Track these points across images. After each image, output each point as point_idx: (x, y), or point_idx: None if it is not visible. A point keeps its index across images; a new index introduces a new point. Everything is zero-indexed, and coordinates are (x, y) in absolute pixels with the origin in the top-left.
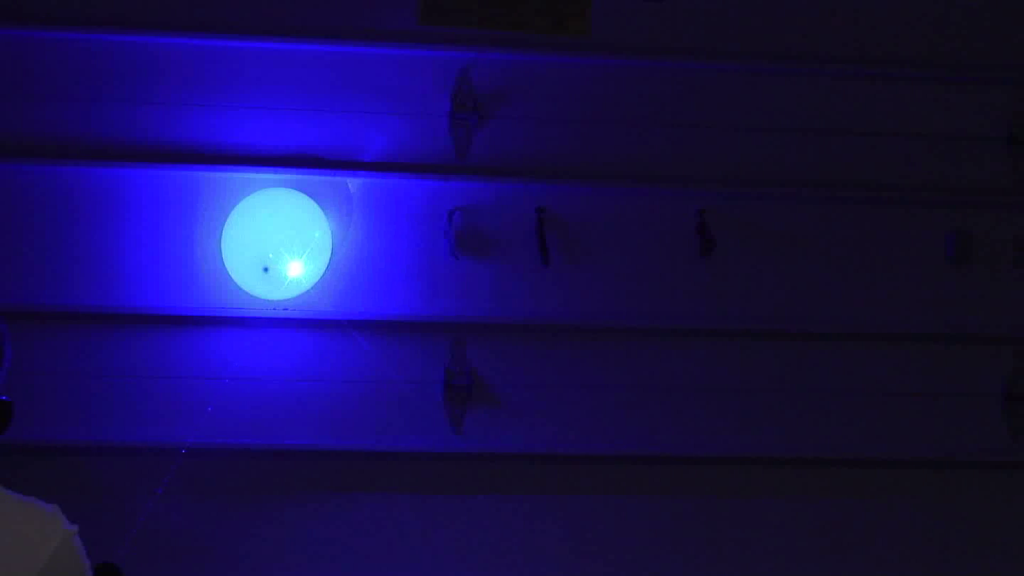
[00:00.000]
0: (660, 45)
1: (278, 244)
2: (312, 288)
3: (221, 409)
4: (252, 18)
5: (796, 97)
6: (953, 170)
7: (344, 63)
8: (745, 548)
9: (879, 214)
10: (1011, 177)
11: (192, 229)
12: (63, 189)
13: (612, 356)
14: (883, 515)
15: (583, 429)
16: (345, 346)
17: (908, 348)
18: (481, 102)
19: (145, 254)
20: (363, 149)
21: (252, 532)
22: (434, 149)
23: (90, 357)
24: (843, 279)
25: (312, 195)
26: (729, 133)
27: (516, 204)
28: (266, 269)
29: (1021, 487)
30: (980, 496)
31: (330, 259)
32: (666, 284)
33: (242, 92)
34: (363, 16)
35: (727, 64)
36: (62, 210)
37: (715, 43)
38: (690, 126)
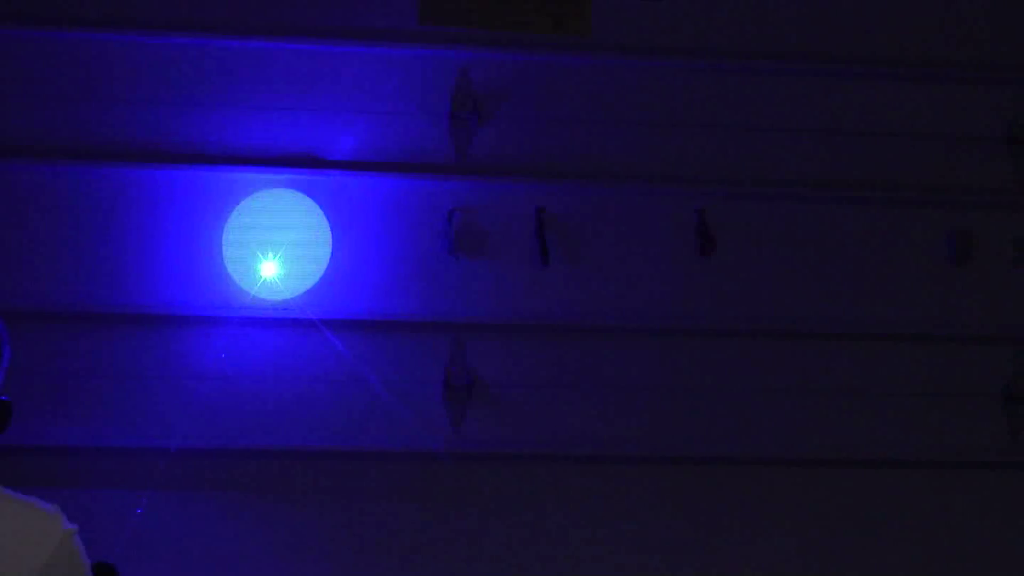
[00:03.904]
0: (660, 45)
1: (279, 244)
2: (312, 288)
3: (221, 409)
4: (252, 18)
5: (796, 97)
6: (953, 170)
7: (344, 63)
8: (745, 548)
9: (879, 214)
10: (1011, 177)
11: (192, 229)
12: (63, 189)
13: (612, 356)
14: (883, 515)
15: (583, 429)
16: (345, 346)
17: (908, 348)
18: (481, 102)
19: (145, 254)
20: (363, 149)
21: (252, 532)
22: (434, 149)
23: (90, 357)
24: (843, 279)
25: (312, 195)
26: (729, 133)
27: (516, 204)
28: (261, 273)
29: (1021, 487)
30: (980, 496)
31: (330, 259)
32: (666, 284)
33: (242, 92)
34: (363, 16)
35: (727, 64)
36: (62, 210)
37: (715, 43)
38: (690, 126)
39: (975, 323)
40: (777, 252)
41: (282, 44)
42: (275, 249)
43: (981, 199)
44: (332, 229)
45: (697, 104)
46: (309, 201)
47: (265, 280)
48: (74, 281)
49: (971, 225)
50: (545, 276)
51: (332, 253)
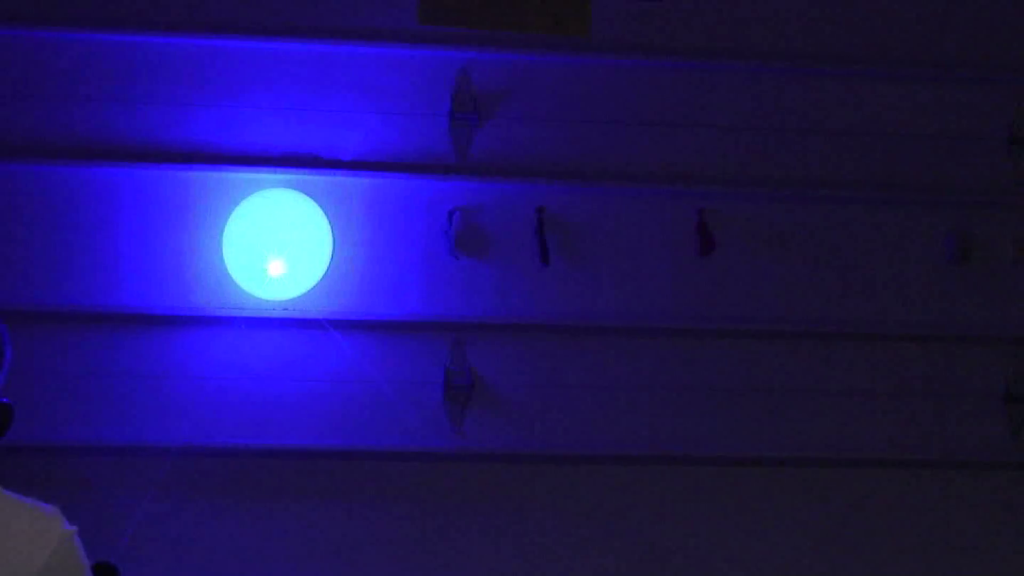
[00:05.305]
0: (660, 45)
1: (278, 244)
2: (312, 288)
3: (220, 409)
4: (252, 18)
5: (796, 97)
6: (953, 170)
7: (344, 63)
8: (745, 548)
9: (879, 214)
10: (1011, 177)
11: (192, 229)
12: (63, 189)
13: (612, 356)
14: (883, 515)
15: (583, 429)
16: (345, 346)
17: (908, 348)
18: (481, 102)
19: (145, 254)
20: (363, 149)
21: (251, 532)
22: (434, 149)
23: (90, 357)
24: (843, 279)
25: (312, 195)
26: (729, 133)
27: (516, 204)
28: (267, 271)
29: (1021, 487)
30: (980, 496)
31: (330, 259)
32: (666, 284)
33: (242, 92)
34: (363, 16)
35: (727, 64)
36: (62, 210)
37: (715, 43)
38: (690, 126)
39: (975, 323)
40: (777, 252)
41: (282, 44)
42: (275, 249)
43: (981, 199)
44: (333, 229)
45: (697, 104)
46: (310, 201)
47: (266, 280)
48: (74, 281)
49: (971, 225)
50: (545, 276)
51: (332, 253)
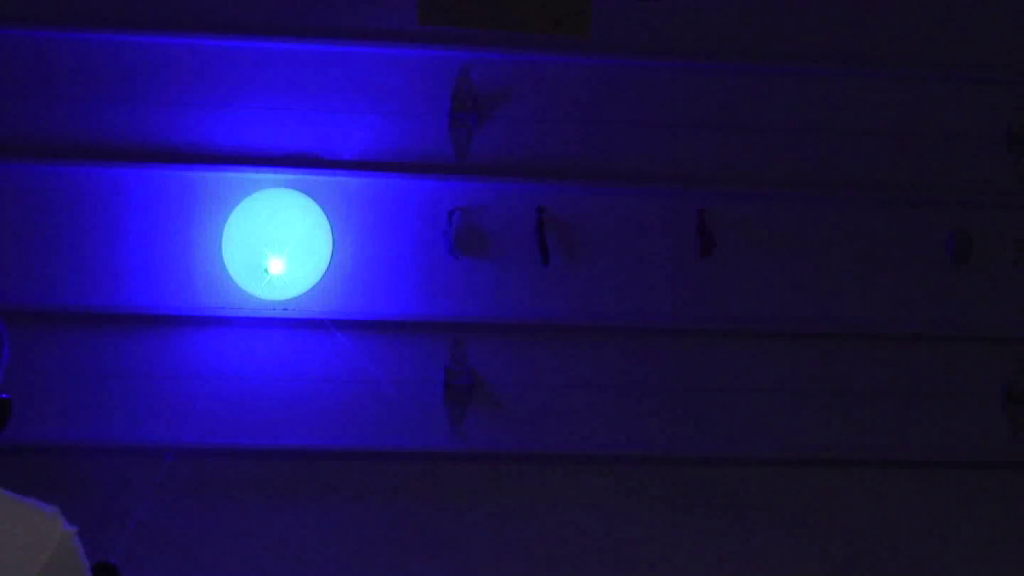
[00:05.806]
0: (660, 45)
1: (278, 244)
2: (312, 288)
3: (220, 409)
4: (252, 18)
5: (796, 97)
6: (953, 170)
7: (344, 63)
8: (745, 548)
9: (879, 214)
10: (1011, 177)
11: (192, 229)
12: (63, 189)
13: (612, 356)
14: (883, 515)
15: (583, 429)
16: (345, 346)
17: (908, 348)
18: (481, 102)
19: (145, 254)
20: (363, 149)
21: (251, 532)
22: (434, 149)
23: (90, 357)
24: (843, 279)
25: (312, 195)
26: (729, 133)
27: (516, 204)
28: (267, 270)
29: (1021, 487)
30: (980, 496)
31: (330, 259)
32: (666, 284)
33: (242, 92)
34: (363, 16)
35: (727, 64)
36: (62, 210)
37: (715, 43)
38: (690, 126)
39: (975, 323)
40: (777, 252)
41: (282, 44)
42: (275, 249)
43: (981, 199)
44: (333, 229)
45: (697, 104)
46: (310, 201)
47: (265, 279)
48: (74, 281)
49: (971, 225)
50: (545, 276)
51: (332, 253)
